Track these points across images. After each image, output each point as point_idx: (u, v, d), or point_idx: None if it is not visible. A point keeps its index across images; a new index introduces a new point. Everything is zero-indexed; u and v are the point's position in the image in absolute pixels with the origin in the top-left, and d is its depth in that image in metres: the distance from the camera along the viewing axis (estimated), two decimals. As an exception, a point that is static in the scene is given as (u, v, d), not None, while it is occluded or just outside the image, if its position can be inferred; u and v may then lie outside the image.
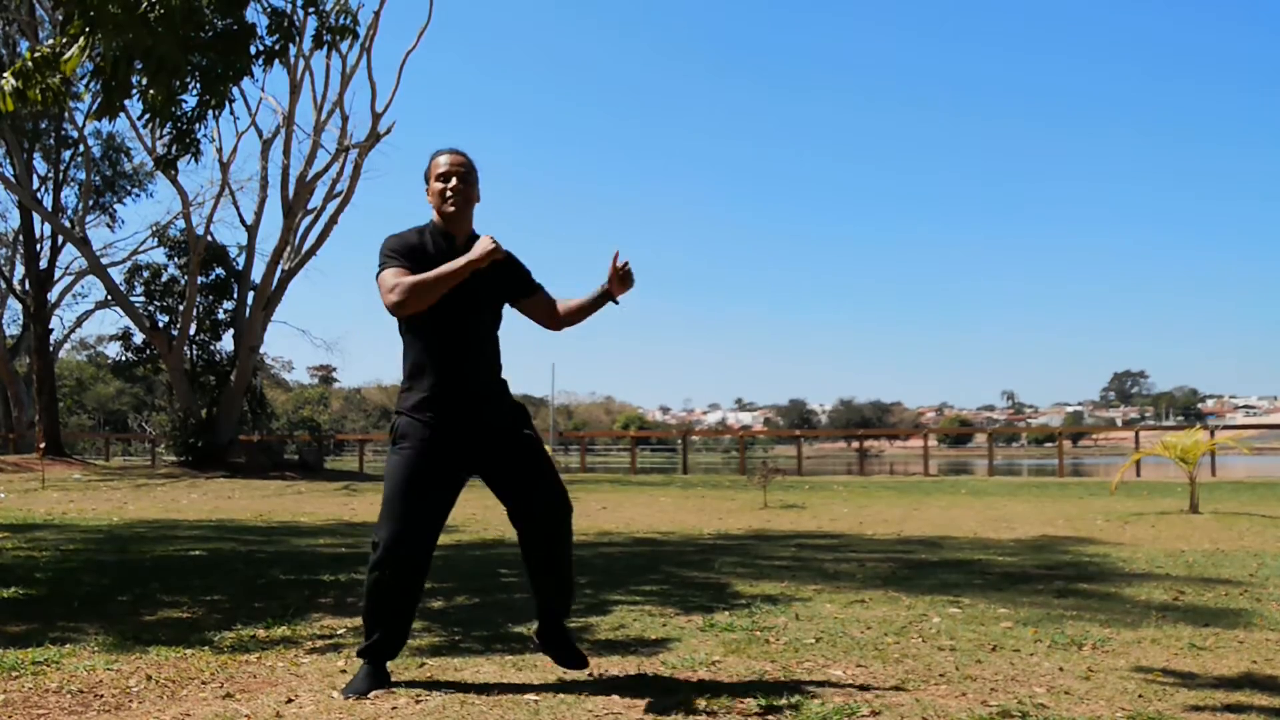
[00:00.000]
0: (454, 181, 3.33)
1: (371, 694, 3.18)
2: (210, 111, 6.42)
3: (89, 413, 53.22)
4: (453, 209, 3.32)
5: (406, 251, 3.27)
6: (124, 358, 25.31)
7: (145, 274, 23.65)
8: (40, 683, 3.36)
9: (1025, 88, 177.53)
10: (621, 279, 3.43)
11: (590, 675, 3.42)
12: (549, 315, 3.50)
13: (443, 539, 3.51)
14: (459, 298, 3.25)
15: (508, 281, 3.41)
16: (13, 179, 23.23)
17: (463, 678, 3.41)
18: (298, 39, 7.65)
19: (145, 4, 5.10)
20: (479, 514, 10.20)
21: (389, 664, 3.36)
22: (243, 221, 22.60)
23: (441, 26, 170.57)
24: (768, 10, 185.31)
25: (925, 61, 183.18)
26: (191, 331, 22.45)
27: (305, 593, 5.37)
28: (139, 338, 23.95)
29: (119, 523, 10.49)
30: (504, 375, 3.43)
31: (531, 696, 3.15)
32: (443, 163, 3.35)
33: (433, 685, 3.30)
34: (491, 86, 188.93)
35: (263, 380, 28.91)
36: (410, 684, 3.31)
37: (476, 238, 3.33)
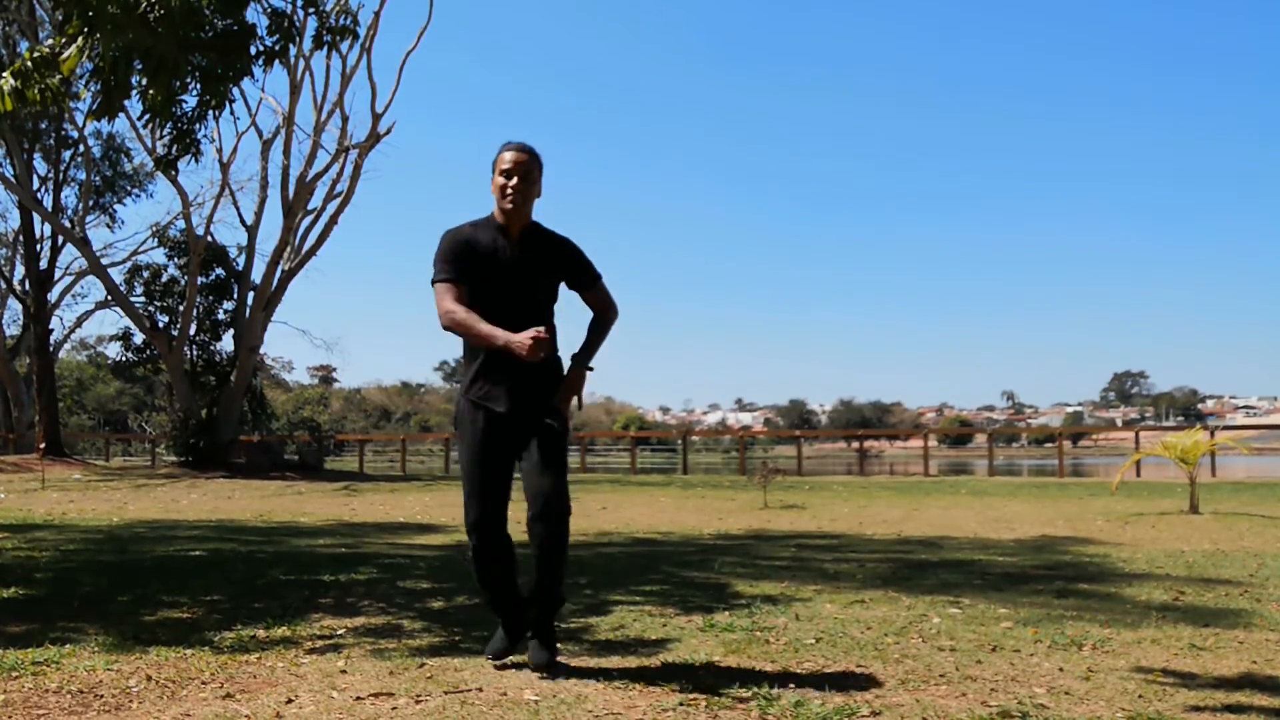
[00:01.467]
0: (515, 180, 3.46)
1: (503, 656, 3.54)
2: (210, 112, 6.42)
3: (89, 413, 53.22)
4: (510, 206, 3.47)
5: (458, 253, 3.44)
6: (124, 358, 25.30)
7: (145, 274, 23.65)
8: (40, 683, 3.36)
9: (1025, 86, 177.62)
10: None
11: (590, 675, 3.42)
12: (598, 309, 3.67)
13: (442, 539, 3.54)
14: (511, 280, 3.44)
15: (566, 270, 3.59)
16: (13, 179, 23.23)
17: (463, 678, 3.41)
18: (298, 39, 7.64)
19: (145, 4, 5.10)
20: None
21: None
22: (243, 222, 22.62)
23: (442, 26, 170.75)
24: (768, 9, 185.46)
25: (926, 60, 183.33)
26: (191, 332, 22.45)
27: (305, 593, 5.36)
28: (139, 338, 23.95)
29: (119, 523, 10.49)
30: (558, 354, 3.58)
31: (531, 696, 3.15)
32: (507, 159, 3.48)
33: (433, 685, 3.30)
34: (492, 86, 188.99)
35: (263, 380, 28.90)
36: (411, 684, 3.31)
37: (536, 227, 3.53)
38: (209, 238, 22.53)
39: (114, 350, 28.36)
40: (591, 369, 3.61)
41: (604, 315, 3.66)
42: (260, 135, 22.97)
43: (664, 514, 11.69)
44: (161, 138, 12.35)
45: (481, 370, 3.47)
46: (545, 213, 3.57)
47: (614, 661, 3.67)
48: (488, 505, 3.47)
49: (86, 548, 7.91)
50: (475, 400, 3.48)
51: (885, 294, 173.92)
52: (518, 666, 3.56)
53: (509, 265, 3.45)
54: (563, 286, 3.62)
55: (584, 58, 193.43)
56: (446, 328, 3.42)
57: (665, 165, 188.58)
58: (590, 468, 28.37)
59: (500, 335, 3.32)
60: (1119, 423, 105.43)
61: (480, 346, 3.41)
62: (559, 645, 3.60)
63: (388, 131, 21.42)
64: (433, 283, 3.45)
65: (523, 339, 3.26)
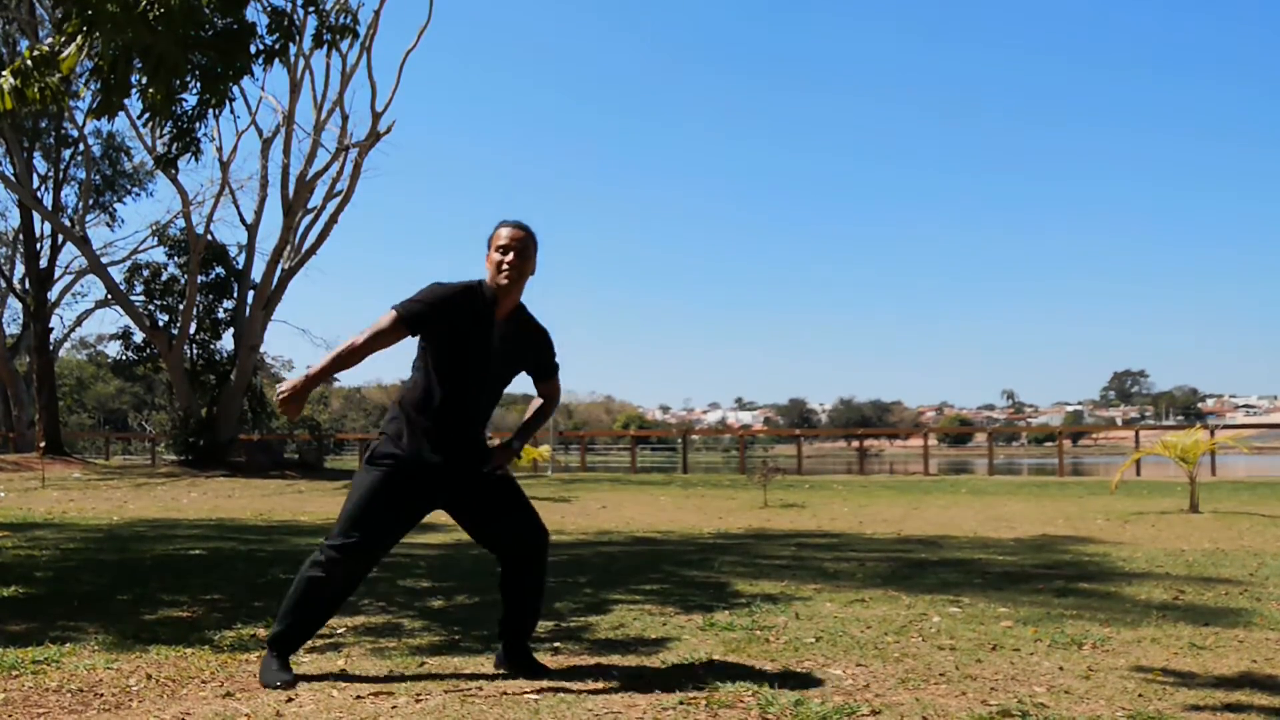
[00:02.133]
0: (511, 256, 3.39)
1: (289, 687, 3.25)
2: (210, 110, 6.42)
3: (89, 412, 53.21)
4: (505, 282, 3.39)
5: (438, 303, 3.35)
6: (124, 357, 25.30)
7: (145, 273, 23.64)
8: (40, 681, 3.36)
9: (1025, 86, 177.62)
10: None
11: (590, 674, 3.42)
12: (548, 398, 3.68)
13: (442, 539, 3.54)
14: (488, 360, 3.40)
15: (536, 361, 3.58)
16: (13, 178, 23.22)
17: (463, 676, 3.41)
18: (298, 38, 7.65)
19: (144, 2, 5.09)
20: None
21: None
22: (243, 221, 22.61)
23: (442, 26, 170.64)
24: (768, 8, 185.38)
25: (926, 59, 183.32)
26: (191, 330, 22.44)
27: (305, 592, 5.36)
28: (139, 337, 23.93)
29: (119, 522, 10.49)
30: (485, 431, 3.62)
31: (531, 696, 3.15)
32: (504, 235, 3.42)
33: (433, 684, 3.30)
34: (492, 86, 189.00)
35: (263, 379, 28.86)
36: (411, 682, 3.31)
37: (522, 310, 3.49)
38: (209, 236, 22.51)
39: (114, 349, 28.40)
40: (519, 457, 3.65)
41: (549, 405, 3.69)
42: (260, 134, 22.99)
43: (664, 513, 11.70)
44: (161, 136, 12.38)
45: (424, 432, 3.37)
46: (545, 211, 3.59)
47: (614, 660, 3.68)
48: (379, 539, 3.37)
49: (86, 546, 7.90)
50: (407, 451, 3.36)
51: (885, 294, 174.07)
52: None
53: (487, 341, 3.39)
54: None
55: (583, 58, 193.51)
56: (350, 344, 3.29)
57: (665, 165, 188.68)
58: (590, 467, 28.35)
59: (318, 376, 3.31)
60: (1119, 422, 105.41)
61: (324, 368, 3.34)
62: (559, 644, 3.60)
63: (388, 130, 21.41)
64: (398, 302, 3.34)
65: (284, 392, 3.24)
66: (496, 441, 3.64)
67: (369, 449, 3.48)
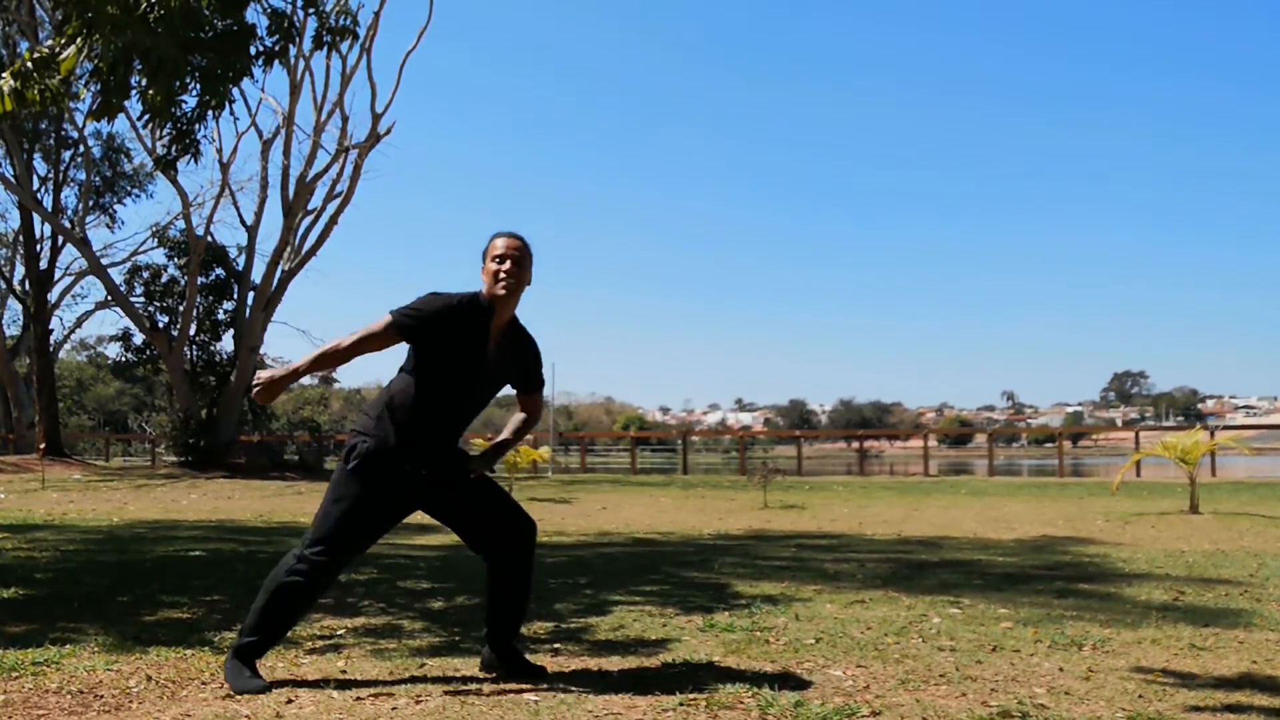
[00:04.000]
0: (508, 265, 3.38)
1: (265, 693, 3.21)
2: (210, 112, 6.42)
3: (89, 413, 53.16)
4: (504, 291, 3.37)
5: (436, 313, 3.34)
6: (124, 358, 25.27)
7: (145, 274, 23.63)
8: (40, 683, 3.36)
9: (1025, 86, 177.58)
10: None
11: (590, 675, 3.42)
12: (530, 413, 3.66)
13: (442, 539, 3.54)
14: (481, 370, 3.41)
15: (524, 373, 3.57)
16: (13, 179, 23.23)
17: (463, 678, 3.41)
18: (298, 39, 7.65)
19: (144, 4, 5.10)
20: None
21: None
22: (243, 222, 22.60)
23: (442, 26, 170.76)
24: (768, 7, 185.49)
25: (925, 59, 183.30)
26: (191, 332, 22.44)
27: (305, 593, 5.36)
28: (139, 338, 23.92)
29: (119, 523, 10.49)
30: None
31: (531, 696, 3.15)
32: (500, 245, 3.41)
33: (433, 685, 3.30)
34: (492, 86, 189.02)
35: (263, 381, 28.85)
36: (411, 683, 3.31)
37: (517, 322, 3.48)
38: (209, 238, 22.52)
39: (114, 350, 28.35)
40: (493, 471, 3.66)
41: (531, 420, 3.66)
42: (260, 135, 22.98)
43: (664, 514, 11.70)
44: (161, 138, 12.35)
45: (406, 434, 3.37)
46: (545, 211, 3.59)
47: (614, 661, 3.68)
48: (357, 548, 3.46)
49: (86, 548, 7.90)
50: (387, 453, 3.35)
51: (885, 294, 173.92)
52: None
53: (480, 354, 3.39)
54: None
55: (584, 58, 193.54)
56: (341, 342, 3.35)
57: (665, 165, 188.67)
58: (590, 468, 28.37)
59: (303, 370, 3.36)
60: (1119, 423, 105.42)
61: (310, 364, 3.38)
62: (559, 646, 3.60)
63: (388, 132, 21.42)
64: (393, 310, 3.35)
65: (260, 381, 3.30)
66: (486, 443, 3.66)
67: (346, 448, 3.44)
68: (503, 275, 3.36)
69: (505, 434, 3.67)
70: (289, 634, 3.71)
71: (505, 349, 3.45)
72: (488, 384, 3.47)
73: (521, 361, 3.54)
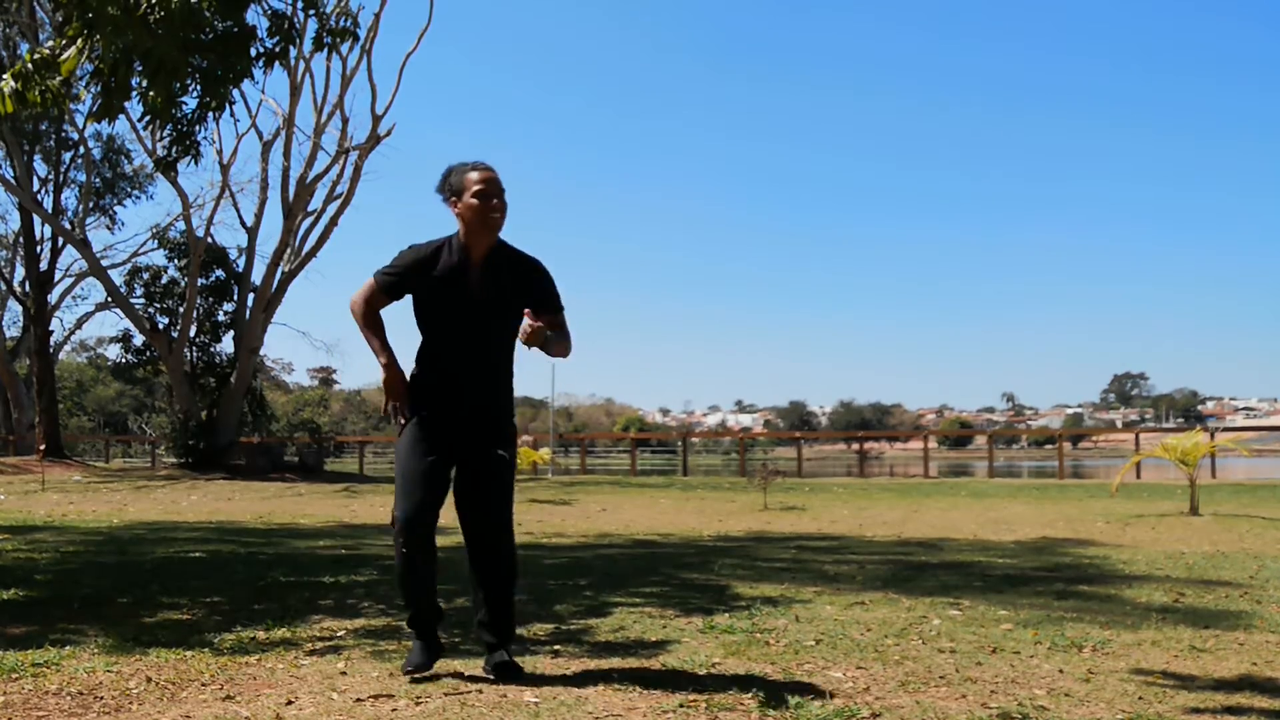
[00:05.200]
0: (496, 200, 3.39)
1: (427, 669, 3.42)
2: (210, 113, 6.42)
3: (89, 415, 53.15)
4: (500, 225, 3.42)
5: (410, 266, 3.42)
6: (124, 360, 25.29)
7: (145, 276, 23.65)
8: (40, 684, 3.36)
9: (1025, 86, 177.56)
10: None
11: (590, 677, 3.42)
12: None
13: (442, 540, 3.53)
14: (472, 308, 3.38)
15: (529, 294, 3.48)
16: (13, 181, 23.25)
17: (462, 679, 3.41)
18: (298, 41, 7.64)
19: (145, 5, 5.10)
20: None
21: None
22: (243, 223, 22.64)
23: (442, 27, 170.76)
24: (768, 7, 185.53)
25: (925, 59, 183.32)
26: (191, 333, 22.45)
27: (305, 594, 5.37)
28: (139, 340, 23.95)
29: (119, 524, 10.49)
30: (512, 383, 3.57)
31: (531, 697, 3.15)
32: (479, 179, 3.39)
33: (433, 686, 3.30)
34: (492, 87, 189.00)
35: (263, 382, 28.91)
36: (410, 686, 3.31)
37: (503, 247, 3.45)
38: (209, 239, 22.53)
39: (114, 352, 28.41)
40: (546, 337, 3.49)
41: (557, 331, 3.55)
42: (260, 137, 23.00)
43: (664, 516, 11.69)
44: (161, 139, 12.35)
45: (428, 384, 3.43)
46: (545, 211, 3.61)
47: (614, 663, 3.67)
48: (427, 497, 3.34)
49: (86, 549, 7.90)
50: (424, 413, 3.41)
51: (885, 294, 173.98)
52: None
53: (465, 291, 3.38)
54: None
55: (584, 58, 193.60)
56: (352, 311, 3.48)
57: (665, 165, 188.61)
58: (590, 469, 28.36)
59: (383, 357, 3.41)
60: (1119, 424, 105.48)
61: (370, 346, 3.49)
62: (559, 647, 3.60)
63: (388, 133, 21.46)
64: (373, 275, 3.47)
65: (389, 382, 3.38)
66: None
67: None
68: (497, 211, 3.39)
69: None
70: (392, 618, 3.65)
71: (496, 275, 3.40)
72: (489, 318, 3.40)
73: (524, 284, 3.46)
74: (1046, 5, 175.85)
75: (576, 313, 3.59)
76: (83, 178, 25.81)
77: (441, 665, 3.62)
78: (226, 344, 23.08)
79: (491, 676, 3.39)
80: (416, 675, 3.41)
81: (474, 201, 3.36)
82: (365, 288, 3.47)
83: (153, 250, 26.60)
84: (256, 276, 22.35)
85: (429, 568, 3.42)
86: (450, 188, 3.43)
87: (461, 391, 3.40)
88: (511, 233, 3.51)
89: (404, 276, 3.42)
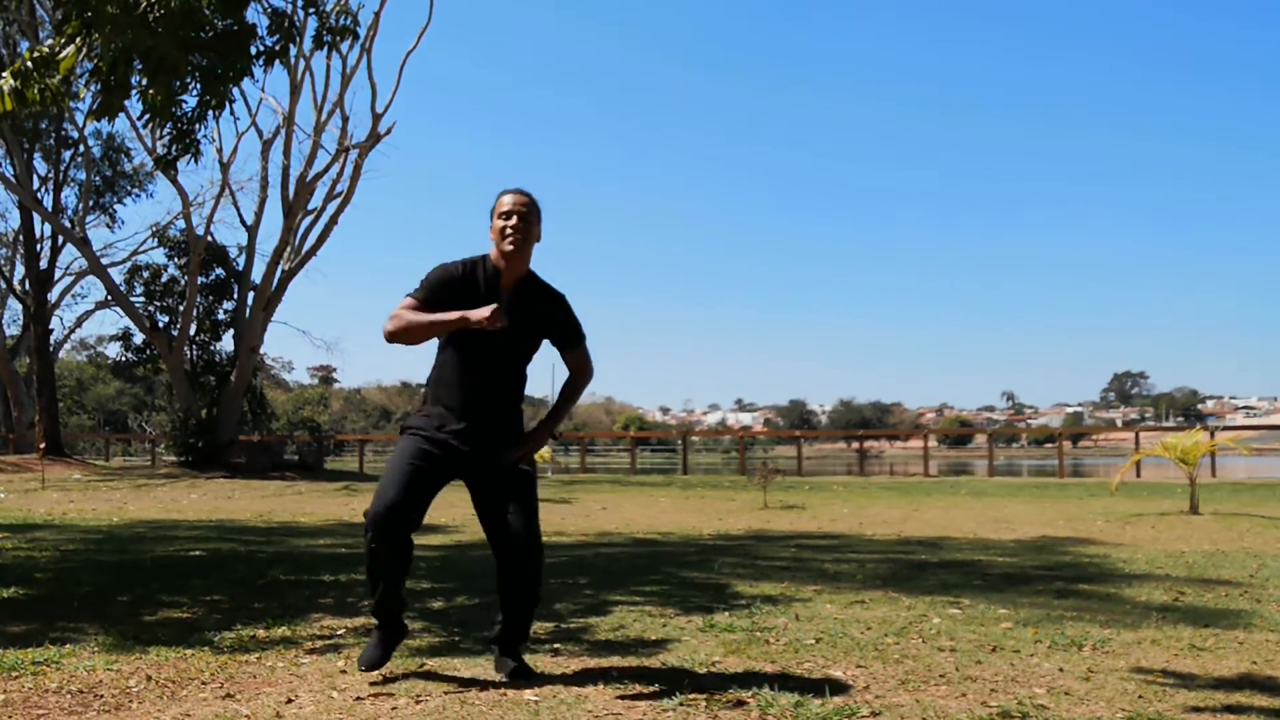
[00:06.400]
0: (515, 220, 3.39)
1: (377, 674, 3.39)
2: (210, 112, 6.41)
3: (89, 413, 53.17)
4: (511, 247, 3.38)
5: (440, 283, 3.39)
6: (124, 358, 25.30)
7: (145, 274, 23.64)
8: (40, 683, 3.36)
9: (1025, 87, 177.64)
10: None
11: (591, 675, 3.42)
12: (576, 370, 3.63)
13: (442, 540, 3.53)
14: (492, 334, 3.35)
15: (555, 328, 3.52)
16: (13, 179, 23.23)
17: (463, 678, 3.41)
18: (298, 39, 7.63)
19: (144, 4, 5.09)
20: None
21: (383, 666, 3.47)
22: (243, 222, 22.61)
23: (442, 26, 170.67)
24: (769, 9, 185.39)
25: (925, 60, 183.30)
26: (191, 332, 22.44)
27: (305, 593, 5.37)
28: (139, 338, 23.94)
29: (119, 523, 10.49)
30: (521, 405, 3.58)
31: (531, 696, 3.15)
32: (507, 201, 3.42)
33: (433, 685, 3.30)
34: (492, 87, 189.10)
35: (263, 381, 28.90)
36: (411, 684, 3.31)
37: (531, 278, 3.46)
38: (209, 238, 22.52)
39: (114, 350, 28.41)
40: (557, 435, 3.64)
41: (580, 377, 3.61)
42: (260, 135, 23.01)
43: (664, 514, 11.70)
44: (161, 138, 12.36)
45: (444, 412, 3.40)
46: (545, 212, 3.53)
47: (614, 661, 3.67)
48: (399, 497, 3.26)
49: (86, 548, 7.91)
50: (432, 426, 3.39)
51: (886, 294, 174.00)
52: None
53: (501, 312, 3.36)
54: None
55: (584, 58, 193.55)
56: (394, 328, 3.32)
57: (665, 165, 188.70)
58: (590, 468, 28.36)
59: (454, 313, 3.29)
60: (1119, 423, 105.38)
61: (438, 330, 3.36)
62: (559, 646, 3.59)
63: (388, 132, 21.43)
64: (406, 295, 3.40)
65: (481, 311, 3.24)
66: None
67: (402, 423, 3.55)
68: (510, 231, 3.38)
69: (557, 399, 3.65)
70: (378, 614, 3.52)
71: (522, 306, 3.41)
72: (510, 345, 3.42)
73: (547, 316, 3.49)
74: (1047, 10, 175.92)
75: (577, 312, 3.59)
76: (83, 176, 25.79)
77: (441, 664, 3.62)
78: (226, 342, 23.09)
79: (504, 679, 3.37)
80: (368, 671, 3.40)
81: (497, 223, 3.41)
82: (399, 307, 3.37)
83: (153, 249, 26.63)
84: (256, 275, 22.35)
85: (393, 564, 3.35)
86: (490, 210, 3.46)
87: (469, 413, 3.39)
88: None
89: (436, 291, 3.37)
